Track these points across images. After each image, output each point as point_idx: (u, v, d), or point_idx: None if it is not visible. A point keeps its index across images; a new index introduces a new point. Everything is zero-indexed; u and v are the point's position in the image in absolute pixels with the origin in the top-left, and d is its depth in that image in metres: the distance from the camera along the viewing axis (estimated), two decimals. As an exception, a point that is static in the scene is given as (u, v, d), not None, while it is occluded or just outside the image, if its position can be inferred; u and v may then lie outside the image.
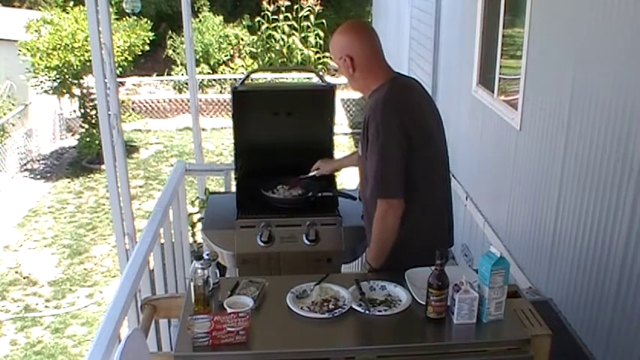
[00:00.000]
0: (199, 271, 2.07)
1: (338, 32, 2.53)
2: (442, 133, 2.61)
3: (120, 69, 10.92)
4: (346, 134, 12.76)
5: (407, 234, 2.43)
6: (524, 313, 2.18)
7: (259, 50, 15.41)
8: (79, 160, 11.68)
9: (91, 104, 11.04)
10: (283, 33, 14.93)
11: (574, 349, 3.08)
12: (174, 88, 14.79)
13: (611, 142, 3.13)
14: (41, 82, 10.95)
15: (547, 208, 3.96)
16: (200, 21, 15.30)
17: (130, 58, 11.55)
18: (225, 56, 15.52)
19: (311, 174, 3.11)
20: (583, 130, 3.45)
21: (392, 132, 2.34)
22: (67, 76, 10.90)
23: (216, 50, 15.25)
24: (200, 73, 14.29)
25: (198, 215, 4.80)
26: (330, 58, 15.04)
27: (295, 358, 2.00)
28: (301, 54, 14.81)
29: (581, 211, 3.46)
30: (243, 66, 15.37)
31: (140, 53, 12.03)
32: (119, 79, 11.76)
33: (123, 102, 12.25)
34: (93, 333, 6.39)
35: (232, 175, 3.82)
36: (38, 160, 11.98)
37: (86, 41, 9.96)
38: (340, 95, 13.53)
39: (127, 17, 12.31)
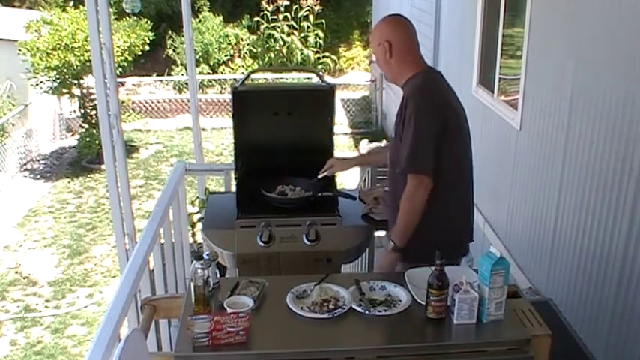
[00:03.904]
0: (199, 271, 2.07)
1: (379, 22, 2.66)
2: (469, 130, 2.68)
3: (120, 69, 10.91)
4: (346, 134, 12.76)
5: (431, 220, 2.49)
6: (524, 313, 2.18)
7: (259, 50, 15.40)
8: (79, 160, 11.68)
9: (91, 104, 11.03)
10: (283, 33, 14.92)
11: (574, 349, 3.08)
12: (174, 88, 14.78)
13: (611, 142, 3.13)
14: (41, 82, 10.95)
15: (547, 208, 3.97)
16: (200, 21, 15.29)
17: (130, 58, 11.54)
18: (225, 56, 15.52)
19: (322, 175, 3.05)
20: (583, 130, 3.45)
21: (430, 112, 2.46)
22: (67, 76, 10.89)
23: (216, 50, 15.25)
24: (200, 73, 14.28)
25: (198, 215, 4.80)
26: (328, 57, 15.04)
27: (295, 358, 2.00)
28: (301, 54, 14.81)
29: (581, 211, 3.46)
30: (243, 66, 15.36)
31: (140, 53, 12.02)
32: (119, 79, 11.74)
33: (123, 102, 12.24)
34: (93, 333, 6.39)
35: (232, 175, 3.82)
36: (38, 160, 11.98)
37: (86, 41, 9.95)
38: (340, 95, 13.54)
39: (127, 17, 12.29)
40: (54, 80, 10.92)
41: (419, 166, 2.46)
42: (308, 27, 14.87)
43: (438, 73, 2.68)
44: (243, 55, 15.73)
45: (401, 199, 2.53)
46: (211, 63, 15.23)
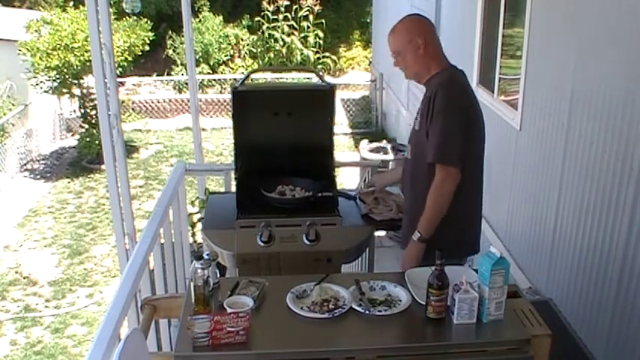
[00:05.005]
0: (199, 271, 2.07)
1: (407, 20, 2.73)
2: (484, 130, 2.72)
3: (120, 69, 10.90)
4: (346, 134, 12.75)
5: (452, 215, 2.54)
6: (524, 313, 2.18)
7: (259, 50, 15.40)
8: (79, 160, 11.67)
9: (91, 104, 11.02)
10: (283, 33, 14.92)
11: (574, 349, 3.08)
12: (174, 88, 14.77)
13: (611, 142, 3.13)
14: (41, 82, 10.94)
15: (547, 208, 3.96)
16: (200, 21, 15.28)
17: (130, 58, 11.53)
18: (225, 56, 15.51)
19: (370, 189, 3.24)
20: (583, 130, 3.45)
21: (458, 107, 2.53)
22: (67, 76, 10.88)
23: (216, 50, 15.24)
24: (200, 73, 14.27)
25: (198, 215, 4.80)
26: (328, 57, 15.00)
27: (295, 358, 2.00)
28: (301, 54, 14.81)
29: (581, 211, 3.46)
30: (243, 66, 15.35)
31: (140, 53, 12.00)
32: (119, 79, 11.73)
33: (123, 102, 12.22)
34: (93, 333, 6.38)
35: (232, 175, 3.82)
36: (38, 160, 11.97)
37: (86, 41, 9.94)
38: (340, 95, 13.53)
39: (127, 17, 12.27)
40: (54, 80, 10.91)
41: (448, 158, 2.50)
42: (308, 27, 14.88)
43: (462, 72, 2.72)
44: (243, 55, 15.73)
45: (423, 190, 2.57)
46: (211, 63, 15.23)
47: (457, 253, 2.65)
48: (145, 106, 14.01)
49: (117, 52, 10.71)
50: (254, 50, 15.54)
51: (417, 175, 2.68)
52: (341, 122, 12.96)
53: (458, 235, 2.61)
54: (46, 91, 11.14)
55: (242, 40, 15.87)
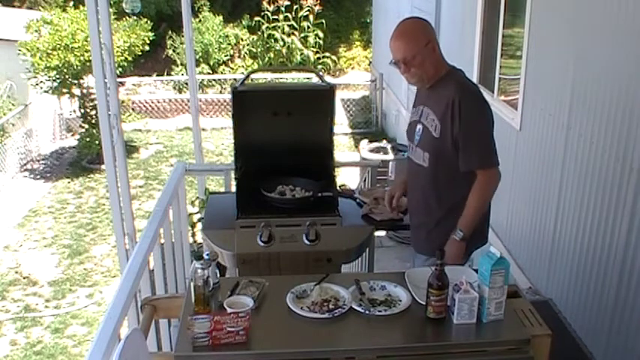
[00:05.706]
0: (199, 271, 2.07)
1: (417, 23, 2.70)
2: None
3: (120, 69, 10.90)
4: (346, 134, 12.75)
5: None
6: (524, 313, 2.19)
7: (259, 50, 15.39)
8: (79, 160, 11.67)
9: (91, 104, 11.02)
10: (283, 33, 14.92)
11: (574, 349, 3.08)
12: (174, 88, 14.77)
13: (611, 142, 3.14)
14: (41, 82, 10.94)
15: (547, 208, 3.97)
16: (200, 21, 15.28)
17: (129, 58, 11.53)
18: (225, 56, 15.51)
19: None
20: (583, 130, 3.45)
21: (485, 109, 2.62)
22: (67, 76, 10.88)
23: (216, 50, 15.24)
24: (200, 73, 14.27)
25: (198, 215, 4.80)
26: (328, 57, 14.99)
27: (295, 358, 2.00)
28: (301, 54, 14.81)
29: (581, 211, 3.46)
30: (243, 66, 15.35)
31: (140, 53, 12.00)
32: (119, 79, 11.73)
33: (123, 102, 12.21)
34: (93, 333, 6.39)
35: (232, 175, 3.82)
36: (38, 160, 11.97)
37: (86, 41, 9.94)
38: (340, 95, 13.53)
39: (127, 17, 12.27)
40: (54, 80, 10.91)
41: (490, 161, 2.59)
42: (308, 27, 14.87)
43: (462, 71, 2.74)
44: (243, 55, 15.73)
45: (447, 195, 2.62)
46: (211, 63, 15.23)
47: (472, 245, 2.72)
48: (145, 106, 14.01)
49: (117, 52, 10.71)
50: (254, 50, 15.54)
51: (437, 182, 2.68)
52: (341, 122, 12.96)
53: (479, 226, 2.71)
54: (46, 91, 11.14)
55: (242, 40, 15.86)
